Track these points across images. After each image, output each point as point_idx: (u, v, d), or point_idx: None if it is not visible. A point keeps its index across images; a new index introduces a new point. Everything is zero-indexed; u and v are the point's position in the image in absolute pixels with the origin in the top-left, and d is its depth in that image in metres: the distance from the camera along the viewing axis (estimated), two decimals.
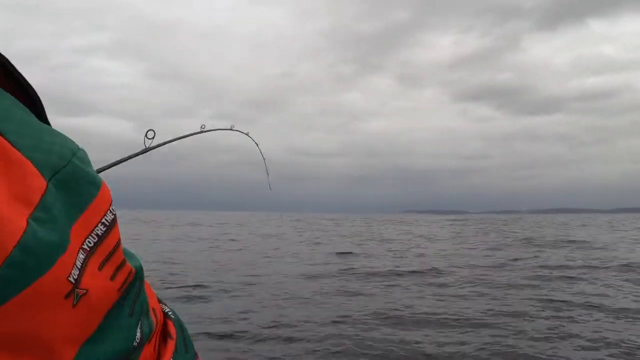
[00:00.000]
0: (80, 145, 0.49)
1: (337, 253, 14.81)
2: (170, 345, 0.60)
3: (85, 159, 0.48)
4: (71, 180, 0.45)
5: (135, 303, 0.53)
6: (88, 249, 0.46)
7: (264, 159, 3.17)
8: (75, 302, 0.44)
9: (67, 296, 0.43)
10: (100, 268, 0.47)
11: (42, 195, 0.42)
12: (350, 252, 15.07)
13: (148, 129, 1.69)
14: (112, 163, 1.66)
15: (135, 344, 0.52)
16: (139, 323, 0.53)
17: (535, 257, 13.35)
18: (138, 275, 0.54)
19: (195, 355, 0.67)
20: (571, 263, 11.97)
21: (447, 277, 10.05)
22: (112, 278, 0.49)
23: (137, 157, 1.72)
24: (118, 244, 0.51)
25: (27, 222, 0.40)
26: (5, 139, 0.41)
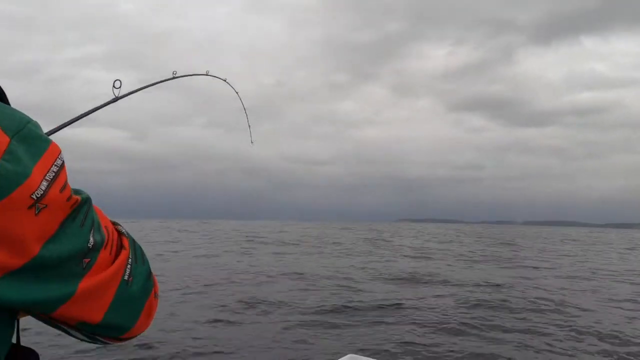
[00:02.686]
0: (34, 119, 0.74)
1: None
2: (124, 253, 0.83)
3: (37, 125, 0.74)
4: (27, 137, 0.70)
5: (86, 218, 0.76)
6: (50, 179, 0.70)
7: (244, 108, 3.01)
8: (36, 212, 0.68)
9: (29, 207, 0.67)
10: (61, 191, 0.72)
11: (7, 146, 0.66)
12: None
13: (115, 79, 1.63)
14: (82, 114, 1.61)
15: (90, 245, 0.76)
16: (91, 232, 0.76)
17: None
18: (87, 201, 0.78)
19: (150, 271, 0.90)
20: None
21: None
22: (68, 199, 0.73)
23: (107, 107, 1.65)
24: (67, 180, 0.75)
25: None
26: None
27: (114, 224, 0.89)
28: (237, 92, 2.90)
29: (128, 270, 0.83)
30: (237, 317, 7.06)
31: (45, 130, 1.57)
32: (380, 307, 7.98)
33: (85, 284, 0.75)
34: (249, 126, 3.05)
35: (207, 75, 2.39)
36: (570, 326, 7.05)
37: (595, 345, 6.14)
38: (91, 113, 1.67)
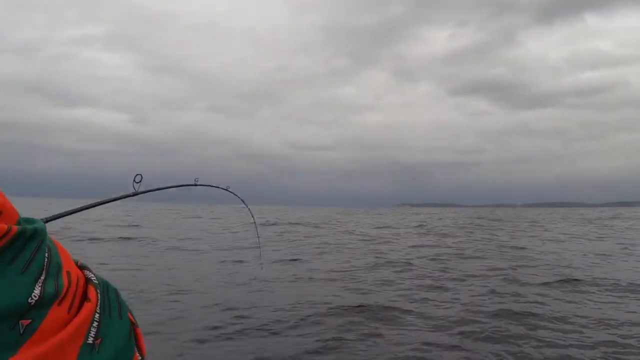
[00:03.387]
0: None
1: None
2: (87, 307, 0.59)
3: None
4: None
5: (31, 262, 0.55)
6: None
7: (256, 229, 3.14)
8: None
9: None
10: None
11: None
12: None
13: (136, 173, 1.75)
14: (100, 202, 1.74)
15: (31, 301, 0.54)
16: (38, 281, 0.55)
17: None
18: (34, 235, 0.56)
19: (133, 325, 0.66)
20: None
21: None
22: None
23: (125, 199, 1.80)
24: None
25: None
26: None
27: (81, 267, 0.64)
28: (252, 216, 3.01)
29: (94, 330, 0.58)
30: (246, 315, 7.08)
31: (51, 214, 1.69)
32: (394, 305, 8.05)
33: (20, 357, 0.53)
34: (260, 250, 3.17)
35: (227, 190, 2.52)
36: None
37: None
38: (108, 202, 1.80)
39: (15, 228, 0.55)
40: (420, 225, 26.41)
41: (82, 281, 0.60)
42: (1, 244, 0.54)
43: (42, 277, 0.55)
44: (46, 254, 0.56)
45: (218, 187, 2.42)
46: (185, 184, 2.10)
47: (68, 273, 0.58)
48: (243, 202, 2.77)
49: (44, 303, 0.55)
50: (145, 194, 1.85)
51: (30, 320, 0.53)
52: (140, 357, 0.64)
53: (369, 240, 18.59)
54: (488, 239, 20.40)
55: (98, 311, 0.59)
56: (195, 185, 2.20)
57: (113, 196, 1.81)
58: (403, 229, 26.58)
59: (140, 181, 1.79)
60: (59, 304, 0.56)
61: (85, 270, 0.64)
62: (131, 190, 1.81)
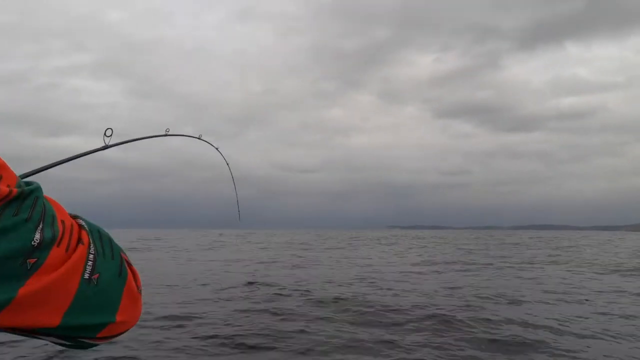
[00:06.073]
0: None
1: None
2: (80, 248, 0.74)
3: None
4: None
5: (33, 212, 0.68)
6: None
7: (232, 177, 2.94)
8: None
9: None
10: None
11: None
12: None
13: (107, 127, 1.70)
14: (72, 157, 1.66)
15: (34, 244, 0.67)
16: (38, 228, 0.68)
17: None
18: (31, 193, 0.70)
19: (126, 263, 0.81)
20: None
21: None
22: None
23: (96, 153, 1.72)
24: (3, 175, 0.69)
25: None
26: None
27: (74, 217, 0.80)
28: (227, 163, 2.83)
29: (89, 267, 0.74)
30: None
31: (28, 169, 1.65)
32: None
33: (29, 287, 0.66)
34: (237, 202, 2.95)
35: (199, 139, 2.38)
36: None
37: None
38: (79, 157, 1.72)
39: (15, 190, 0.67)
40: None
41: (75, 227, 0.75)
42: (3, 202, 0.66)
43: (41, 225, 0.68)
44: (42, 208, 0.70)
45: (191, 137, 2.28)
46: (156, 134, 1.99)
47: (62, 221, 0.73)
48: (220, 153, 2.62)
49: (45, 245, 0.68)
50: (117, 146, 1.78)
51: (35, 259, 0.66)
52: (137, 287, 0.81)
53: None
54: None
55: (92, 252, 0.74)
56: (166, 135, 2.07)
57: (84, 151, 1.74)
58: None
59: (111, 135, 1.73)
60: (58, 245, 0.70)
61: (78, 219, 0.79)
62: (101, 144, 1.75)
